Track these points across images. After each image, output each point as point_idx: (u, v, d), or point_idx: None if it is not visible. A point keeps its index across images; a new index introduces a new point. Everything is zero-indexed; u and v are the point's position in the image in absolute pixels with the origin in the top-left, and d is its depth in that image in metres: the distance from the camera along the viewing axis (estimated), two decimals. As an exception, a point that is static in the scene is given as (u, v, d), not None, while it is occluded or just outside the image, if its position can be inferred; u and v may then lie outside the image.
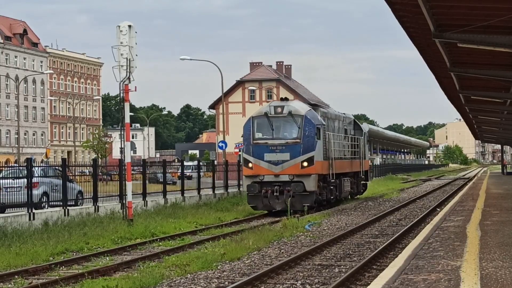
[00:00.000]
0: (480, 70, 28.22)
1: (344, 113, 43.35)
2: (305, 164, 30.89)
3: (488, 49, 21.99)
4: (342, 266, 17.24)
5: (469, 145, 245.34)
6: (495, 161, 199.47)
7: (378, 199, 46.18)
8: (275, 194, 30.68)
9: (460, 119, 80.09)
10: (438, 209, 32.36)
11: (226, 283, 15.19)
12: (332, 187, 34.43)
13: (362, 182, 44.00)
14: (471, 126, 75.50)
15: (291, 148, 31.19)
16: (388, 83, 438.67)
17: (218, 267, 17.33)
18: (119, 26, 28.50)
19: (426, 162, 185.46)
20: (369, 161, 53.01)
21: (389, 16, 23.09)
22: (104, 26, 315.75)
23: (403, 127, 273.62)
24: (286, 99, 33.81)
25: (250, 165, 31.92)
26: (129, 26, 28.41)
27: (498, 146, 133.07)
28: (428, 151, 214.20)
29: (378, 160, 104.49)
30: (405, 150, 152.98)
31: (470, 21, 19.30)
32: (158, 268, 17.29)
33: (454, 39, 20.49)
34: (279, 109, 31.70)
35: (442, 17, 19.33)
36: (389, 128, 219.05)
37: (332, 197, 34.58)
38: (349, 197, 41.06)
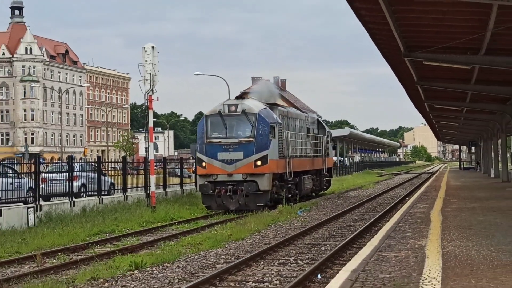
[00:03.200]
0: (442, 83, 28.23)
1: (306, 113, 38.62)
2: (259, 163, 25.72)
3: (448, 66, 22.02)
4: (328, 245, 17.28)
5: (432, 145, 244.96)
6: (454, 158, 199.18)
7: (357, 189, 46.20)
8: (228, 194, 25.63)
9: (425, 124, 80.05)
10: (407, 198, 32.35)
11: (232, 258, 15.21)
12: (290, 186, 29.28)
13: (326, 179, 38.67)
14: (434, 129, 75.45)
15: (244, 147, 25.86)
16: (366, 94, 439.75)
17: (226, 246, 17.36)
18: (144, 47, 28.57)
19: (397, 159, 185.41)
20: (333, 158, 44.92)
21: (367, 39, 23.13)
22: (132, 47, 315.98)
23: (378, 130, 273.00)
24: (241, 97, 28.38)
25: (203, 164, 26.42)
26: (152, 47, 28.50)
27: (457, 146, 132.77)
28: (398, 150, 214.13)
29: (357, 158, 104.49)
30: (380, 149, 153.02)
31: (434, 43, 19.30)
32: (176, 246, 17.32)
33: (421, 58, 20.51)
34: (233, 108, 26.46)
35: (410, 40, 19.34)
36: (366, 131, 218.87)
37: (290, 195, 29.26)
38: (312, 194, 35.64)
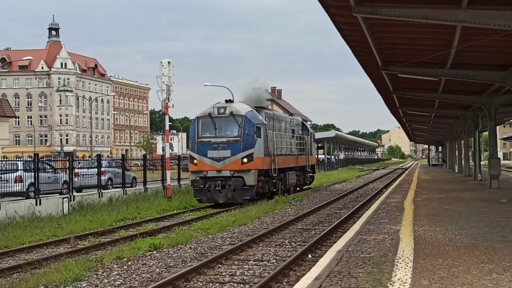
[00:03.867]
0: (414, 92, 28.26)
1: (292, 116, 36.41)
2: (245, 160, 24.20)
3: (419, 78, 22.02)
4: (317, 230, 17.27)
5: (405, 145, 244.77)
6: (424, 156, 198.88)
7: (342, 183, 46.17)
8: (217, 188, 24.10)
9: (399, 127, 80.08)
10: (384, 190, 32.35)
11: (236, 241, 15.21)
12: (275, 181, 27.66)
13: (310, 174, 36.56)
14: (407, 131, 75.42)
15: (232, 145, 24.33)
16: (349, 101, 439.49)
17: (230, 230, 17.35)
18: (161, 62, 28.60)
19: (376, 157, 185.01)
20: (316, 156, 41.70)
21: (350, 55, 23.08)
22: (151, 62, 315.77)
23: (360, 132, 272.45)
24: (230, 101, 26.60)
25: (195, 161, 24.81)
26: (168, 62, 28.52)
27: (426, 146, 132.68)
28: (377, 149, 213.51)
29: (342, 156, 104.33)
30: (361, 149, 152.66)
31: (407, 58, 19.31)
32: (188, 231, 17.31)
33: (396, 71, 20.52)
34: (221, 110, 24.93)
35: (387, 55, 19.35)
36: (350, 133, 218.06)
37: (275, 189, 27.64)
38: (297, 188, 33.61)
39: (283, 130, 30.38)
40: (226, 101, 26.26)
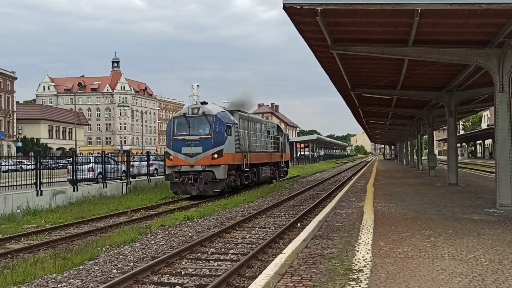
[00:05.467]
0: (373, 107, 28.08)
1: (268, 119, 31.69)
2: (215, 156, 20.19)
3: (377, 97, 21.91)
4: (304, 205, 17.24)
5: (367, 144, 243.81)
6: (380, 153, 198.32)
7: (322, 172, 46.08)
8: (190, 181, 20.08)
9: (363, 132, 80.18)
10: (352, 177, 32.24)
11: (246, 213, 15.20)
12: (247, 175, 23.32)
13: (284, 169, 31.65)
14: (369, 135, 75.07)
15: (204, 142, 20.34)
16: (328, 113, 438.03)
17: (242, 206, 17.34)
18: (192, 85, 29.18)
19: (346, 154, 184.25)
20: (289, 154, 35.23)
21: (327, 80, 22.98)
22: (186, 85, 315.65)
23: (334, 136, 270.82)
24: (204, 103, 22.33)
25: (170, 157, 20.76)
26: (197, 85, 29.03)
27: (382, 145, 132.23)
28: (347, 148, 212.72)
29: (322, 152, 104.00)
30: (335, 147, 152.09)
31: (369, 82, 19.21)
32: (212, 206, 17.33)
33: (360, 91, 20.39)
34: (195, 110, 21.06)
35: (354, 80, 19.26)
36: (328, 136, 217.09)
37: (246, 182, 23.38)
38: (270, 181, 28.56)
39: (258, 131, 25.92)
40: (201, 103, 22.47)
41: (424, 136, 53.60)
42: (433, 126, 28.20)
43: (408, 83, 18.79)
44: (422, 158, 38.89)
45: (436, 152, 45.16)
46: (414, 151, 42.04)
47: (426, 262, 6.33)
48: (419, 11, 9.32)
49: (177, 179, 20.25)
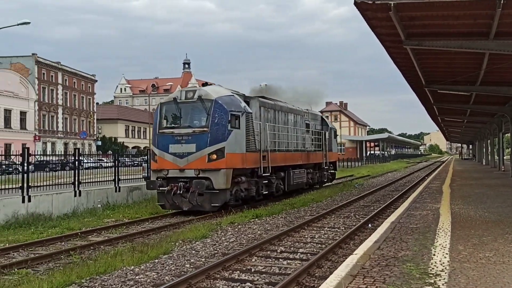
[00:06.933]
0: (450, 104, 26.88)
1: (307, 109, 22.72)
2: (213, 157, 14.29)
3: (454, 93, 20.97)
4: (375, 206, 16.86)
5: (442, 143, 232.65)
6: (457, 152, 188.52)
7: (393, 172, 44.73)
8: (179, 192, 14.48)
9: (438, 130, 76.44)
10: (427, 178, 31.02)
11: (315, 213, 15.03)
12: (266, 181, 17.10)
13: (330, 171, 25.29)
14: (444, 133, 71.78)
15: (198, 138, 14.44)
16: (399, 111, 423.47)
17: (310, 205, 17.07)
18: (260, 84, 28.77)
19: (419, 153, 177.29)
20: (336, 153, 27.53)
21: (399, 77, 22.25)
22: (253, 84, 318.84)
23: (406, 134, 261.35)
24: (206, 84, 16.41)
25: (155, 157, 14.97)
26: (266, 84, 28.56)
27: (459, 144, 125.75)
28: (420, 147, 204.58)
29: (393, 152, 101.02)
30: (408, 147, 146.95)
31: (445, 78, 18.42)
32: (280, 205, 17.24)
33: (436, 88, 19.62)
34: (190, 94, 14.99)
35: (429, 76, 18.55)
36: (399, 135, 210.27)
37: (267, 192, 17.30)
38: (308, 187, 22.23)
39: (291, 123, 19.72)
40: (203, 84, 16.47)
41: (506, 135, 50.39)
42: (517, 124, 26.45)
43: (488, 78, 17.79)
44: (504, 158, 36.59)
45: (520, 151, 42.27)
46: (494, 150, 39.66)
47: (511, 269, 5.95)
48: (502, 2, 8.84)
49: (164, 188, 14.73)
